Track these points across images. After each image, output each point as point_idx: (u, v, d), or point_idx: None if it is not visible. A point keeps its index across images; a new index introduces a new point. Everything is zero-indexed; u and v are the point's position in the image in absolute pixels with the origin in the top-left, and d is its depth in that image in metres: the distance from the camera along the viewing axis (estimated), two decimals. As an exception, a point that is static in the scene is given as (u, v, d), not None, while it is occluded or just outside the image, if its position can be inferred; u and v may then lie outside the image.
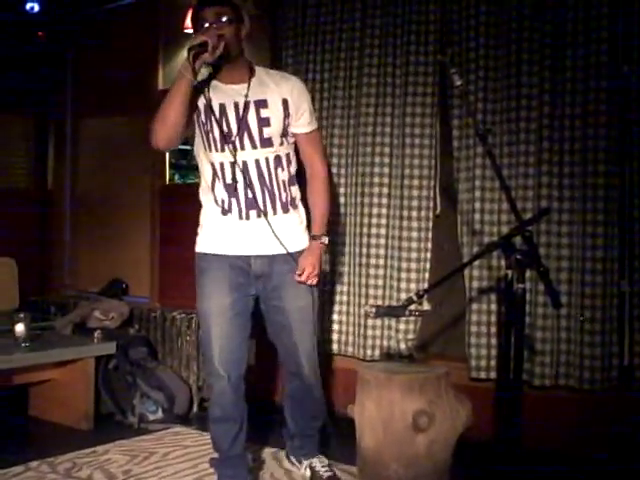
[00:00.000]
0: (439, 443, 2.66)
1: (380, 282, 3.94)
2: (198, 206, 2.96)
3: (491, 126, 3.60)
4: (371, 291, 3.96)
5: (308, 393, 3.05)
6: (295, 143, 2.90)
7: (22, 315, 3.83)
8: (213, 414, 2.92)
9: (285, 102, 2.78)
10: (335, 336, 4.09)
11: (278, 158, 2.81)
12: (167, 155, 4.87)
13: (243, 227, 2.82)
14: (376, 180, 3.96)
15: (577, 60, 3.43)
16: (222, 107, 2.76)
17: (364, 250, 3.98)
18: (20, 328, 3.78)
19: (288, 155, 2.86)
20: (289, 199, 2.86)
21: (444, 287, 3.42)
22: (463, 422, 2.73)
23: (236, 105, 2.75)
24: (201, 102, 2.77)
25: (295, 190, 2.90)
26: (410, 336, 3.87)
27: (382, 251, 3.94)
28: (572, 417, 3.41)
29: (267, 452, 3.53)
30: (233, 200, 2.80)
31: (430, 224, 3.88)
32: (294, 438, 3.24)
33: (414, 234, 3.86)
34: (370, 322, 3.93)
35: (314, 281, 2.86)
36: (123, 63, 5.17)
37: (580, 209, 3.43)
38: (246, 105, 2.74)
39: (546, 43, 3.49)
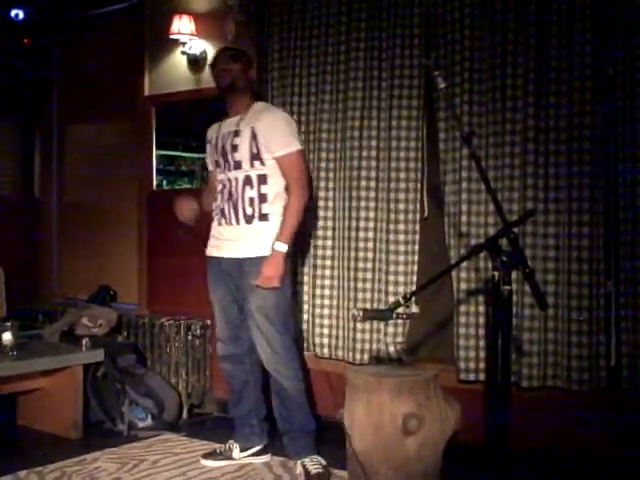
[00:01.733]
0: (429, 445, 2.67)
1: (368, 285, 3.94)
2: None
3: (476, 128, 3.61)
4: (360, 295, 3.96)
5: (281, 389, 3.31)
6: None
7: (9, 323, 3.81)
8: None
9: (253, 130, 3.23)
10: (325, 340, 4.09)
11: (248, 178, 3.27)
12: (154, 161, 4.86)
13: (219, 232, 3.38)
14: (363, 184, 3.96)
15: (561, 61, 3.45)
16: (216, 139, 3.39)
17: (352, 254, 3.98)
18: (7, 336, 3.76)
19: (263, 176, 3.25)
20: (256, 214, 3.26)
21: (432, 290, 3.43)
22: (452, 424, 2.74)
23: (223, 136, 3.34)
24: (212, 138, 3.46)
25: (268, 207, 3.25)
26: (399, 339, 3.88)
27: (370, 254, 3.94)
28: (560, 418, 3.42)
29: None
30: (215, 208, 3.40)
31: (418, 227, 3.89)
32: (283, 436, 3.40)
33: (401, 237, 3.87)
34: (359, 326, 3.93)
35: (272, 284, 3.19)
36: (109, 69, 5.17)
37: (566, 210, 3.45)
38: (227, 135, 3.32)
39: (530, 44, 3.51)
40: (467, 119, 3.66)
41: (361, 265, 3.96)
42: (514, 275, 2.41)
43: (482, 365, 3.63)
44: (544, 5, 3.49)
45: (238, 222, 3.28)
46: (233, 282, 3.35)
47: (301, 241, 4.17)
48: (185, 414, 4.27)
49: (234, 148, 3.26)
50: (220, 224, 3.36)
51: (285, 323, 3.30)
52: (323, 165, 4.11)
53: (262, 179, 3.25)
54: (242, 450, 3.49)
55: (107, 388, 4.11)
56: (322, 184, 4.11)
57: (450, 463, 2.74)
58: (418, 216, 3.90)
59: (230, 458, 3.47)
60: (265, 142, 3.21)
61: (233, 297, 3.39)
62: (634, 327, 3.30)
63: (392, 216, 3.89)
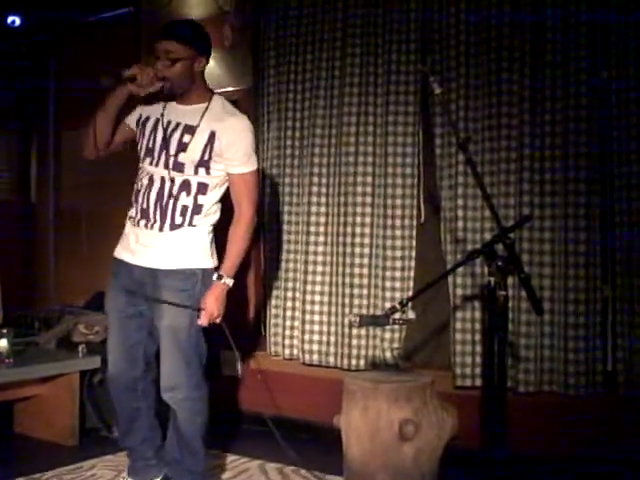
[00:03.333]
0: (425, 452, 2.67)
1: (364, 291, 3.94)
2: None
3: (472, 134, 3.62)
4: (356, 300, 3.96)
5: (175, 420, 2.92)
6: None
7: (5, 330, 3.79)
8: None
9: (212, 135, 2.81)
10: (315, 346, 4.07)
11: (186, 183, 2.83)
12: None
13: (135, 234, 2.91)
14: (359, 189, 3.96)
15: (556, 67, 3.46)
16: (156, 122, 2.90)
17: (348, 259, 3.98)
18: (3, 343, 3.74)
19: (204, 185, 2.84)
20: (185, 223, 2.84)
21: (428, 295, 3.43)
22: (449, 430, 2.74)
23: (168, 123, 2.87)
24: (144, 115, 2.96)
25: (199, 219, 2.85)
26: (395, 345, 3.87)
27: (366, 260, 3.94)
28: (557, 423, 3.42)
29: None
30: (135, 205, 2.95)
31: (414, 232, 3.89)
32: (168, 465, 3.04)
33: (398, 242, 3.87)
34: (355, 331, 3.93)
35: (216, 320, 2.81)
36: (105, 75, 5.15)
37: (562, 215, 3.45)
38: (176, 127, 2.85)
39: (526, 50, 3.52)
40: (463, 124, 3.67)
41: (357, 271, 3.96)
42: (510, 280, 2.42)
43: (478, 371, 3.62)
44: (540, 11, 3.50)
45: (162, 229, 2.84)
46: (142, 293, 2.89)
47: (294, 249, 4.19)
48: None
49: (182, 146, 2.81)
50: (138, 225, 2.89)
51: (196, 348, 2.87)
52: (316, 170, 4.11)
53: (202, 188, 2.84)
54: None
55: (103, 395, 4.09)
56: (316, 189, 4.10)
57: (447, 469, 2.74)
58: (414, 221, 3.90)
59: None
60: (223, 153, 2.81)
61: (137, 310, 2.92)
62: (630, 332, 3.30)
63: (388, 221, 3.89)
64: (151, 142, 2.89)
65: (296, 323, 4.16)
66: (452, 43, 3.72)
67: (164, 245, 2.84)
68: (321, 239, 4.09)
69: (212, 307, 2.79)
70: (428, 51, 3.85)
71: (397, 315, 2.62)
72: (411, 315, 3.68)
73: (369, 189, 3.95)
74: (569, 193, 3.43)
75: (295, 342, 4.16)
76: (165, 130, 2.86)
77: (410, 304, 2.59)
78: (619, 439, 3.24)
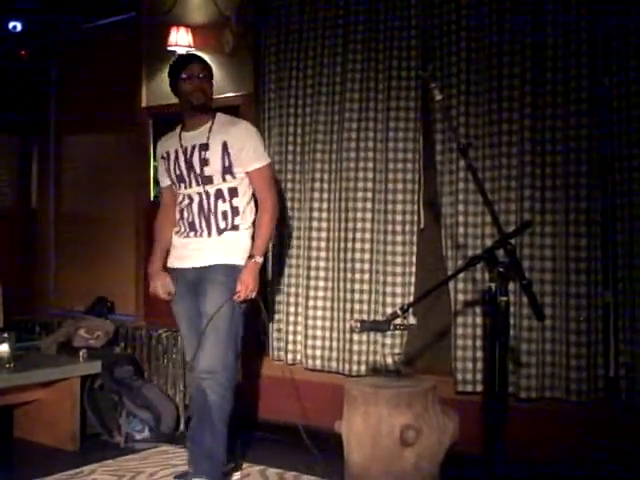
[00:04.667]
0: (426, 457, 2.67)
1: (365, 297, 3.94)
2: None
3: (472, 139, 3.62)
4: (356, 306, 3.95)
5: (204, 404, 3.16)
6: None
7: (6, 335, 3.79)
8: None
9: (224, 144, 3.20)
10: (318, 352, 4.08)
11: (219, 192, 3.25)
12: (151, 172, 4.86)
13: (183, 245, 3.32)
14: (360, 195, 3.97)
15: (557, 72, 3.46)
16: (176, 153, 3.31)
17: (349, 265, 3.98)
18: (4, 348, 3.75)
19: (234, 189, 3.25)
20: (229, 226, 3.24)
21: (429, 301, 3.43)
22: (450, 436, 2.74)
23: (185, 150, 3.28)
24: (166, 153, 3.37)
25: (239, 219, 3.25)
26: (396, 350, 3.87)
27: (367, 266, 3.94)
28: (559, 429, 3.41)
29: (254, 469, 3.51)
30: (181, 222, 3.34)
31: (415, 238, 3.89)
32: (188, 446, 3.29)
33: (399, 248, 3.87)
34: (356, 337, 3.93)
35: (251, 292, 3.19)
36: (106, 80, 5.17)
37: (563, 221, 3.45)
38: (193, 149, 3.26)
39: (526, 56, 3.53)
40: (464, 130, 3.67)
41: (358, 276, 3.96)
42: (512, 286, 2.42)
43: (480, 376, 3.62)
44: (540, 17, 3.50)
45: (210, 234, 3.25)
46: (196, 290, 3.28)
47: (295, 254, 4.19)
48: (182, 426, 4.25)
49: (204, 162, 3.22)
50: (187, 236, 3.31)
51: (235, 339, 3.23)
52: (318, 176, 4.11)
53: (233, 192, 3.25)
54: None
55: (104, 400, 4.10)
56: (317, 195, 4.11)
57: (448, 475, 2.74)
58: (415, 227, 3.90)
59: None
60: (237, 156, 3.20)
61: (200, 308, 3.27)
62: (632, 337, 3.30)
63: (389, 227, 3.90)
64: (178, 170, 3.30)
65: (299, 328, 4.16)
66: (453, 49, 3.72)
67: (211, 246, 3.23)
68: (323, 244, 4.09)
69: (248, 281, 3.17)
70: (429, 57, 3.85)
71: (398, 321, 2.62)
72: (412, 321, 3.70)
73: (370, 194, 3.95)
74: (570, 199, 3.43)
75: (298, 347, 4.16)
76: (185, 155, 3.27)
77: (411, 310, 2.60)
78: (621, 444, 3.23)
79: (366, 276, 3.94)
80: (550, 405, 3.47)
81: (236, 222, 3.24)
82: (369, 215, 3.95)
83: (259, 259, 3.22)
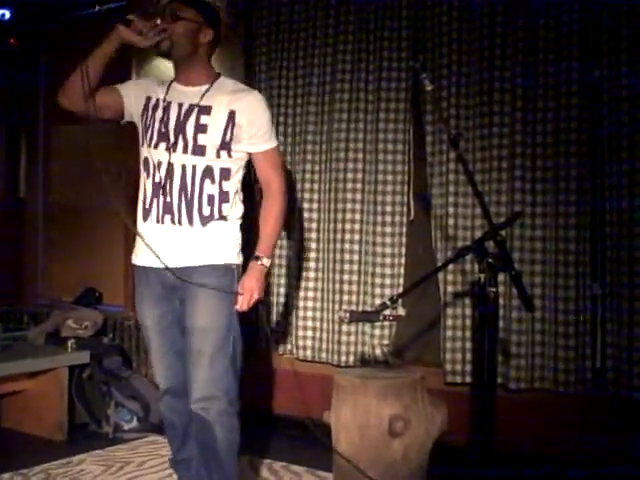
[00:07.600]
0: (415, 448, 2.67)
1: (354, 287, 3.94)
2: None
3: (463, 131, 3.62)
4: (345, 297, 3.96)
5: (206, 438, 2.60)
6: (250, 161, 2.70)
7: (-6, 325, 3.79)
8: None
9: (232, 114, 2.59)
10: (309, 342, 4.08)
11: (209, 170, 2.60)
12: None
13: (159, 233, 2.61)
14: (349, 186, 3.96)
15: (548, 64, 3.46)
16: (167, 105, 2.65)
17: (338, 256, 3.98)
18: (-8, 338, 3.74)
19: (227, 170, 2.62)
20: (215, 215, 2.61)
21: (419, 292, 3.44)
22: (438, 427, 2.74)
23: (180, 106, 2.63)
24: (149, 96, 2.70)
25: (227, 207, 2.63)
26: (385, 341, 3.88)
27: (356, 257, 3.94)
28: (547, 419, 3.43)
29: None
30: (155, 200, 2.63)
31: (404, 229, 3.89)
32: None
33: (388, 239, 3.87)
34: (345, 328, 3.93)
35: (253, 298, 2.60)
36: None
37: (553, 213, 3.46)
38: (189, 108, 2.61)
39: (518, 48, 3.52)
40: (454, 122, 3.67)
41: (347, 267, 3.96)
42: (501, 278, 2.42)
43: (469, 367, 3.63)
44: (532, 10, 3.50)
45: (191, 223, 2.58)
46: (177, 296, 2.64)
47: (286, 244, 4.18)
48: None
49: (201, 128, 2.58)
50: (160, 222, 2.61)
51: (234, 355, 2.61)
52: (309, 167, 4.11)
53: (225, 174, 2.62)
54: None
55: (92, 390, 4.09)
56: (307, 186, 4.10)
57: (436, 465, 2.74)
58: (405, 218, 3.90)
59: None
60: (246, 132, 2.60)
61: (175, 316, 2.67)
62: (619, 329, 3.31)
63: (379, 218, 3.89)
64: (163, 127, 2.62)
65: (289, 318, 4.16)
66: (444, 40, 3.72)
67: (195, 241, 2.59)
68: (313, 235, 4.09)
69: (252, 289, 2.59)
70: (420, 48, 3.85)
71: (387, 311, 2.61)
72: (401, 311, 3.69)
73: (360, 185, 3.95)
74: (560, 191, 3.44)
75: (289, 338, 4.16)
76: (179, 111, 2.62)
77: (400, 300, 2.59)
78: (607, 436, 3.25)
79: (355, 267, 3.94)
80: (539, 396, 3.49)
81: (224, 211, 2.61)
82: (359, 206, 3.95)
83: (266, 261, 2.62)
